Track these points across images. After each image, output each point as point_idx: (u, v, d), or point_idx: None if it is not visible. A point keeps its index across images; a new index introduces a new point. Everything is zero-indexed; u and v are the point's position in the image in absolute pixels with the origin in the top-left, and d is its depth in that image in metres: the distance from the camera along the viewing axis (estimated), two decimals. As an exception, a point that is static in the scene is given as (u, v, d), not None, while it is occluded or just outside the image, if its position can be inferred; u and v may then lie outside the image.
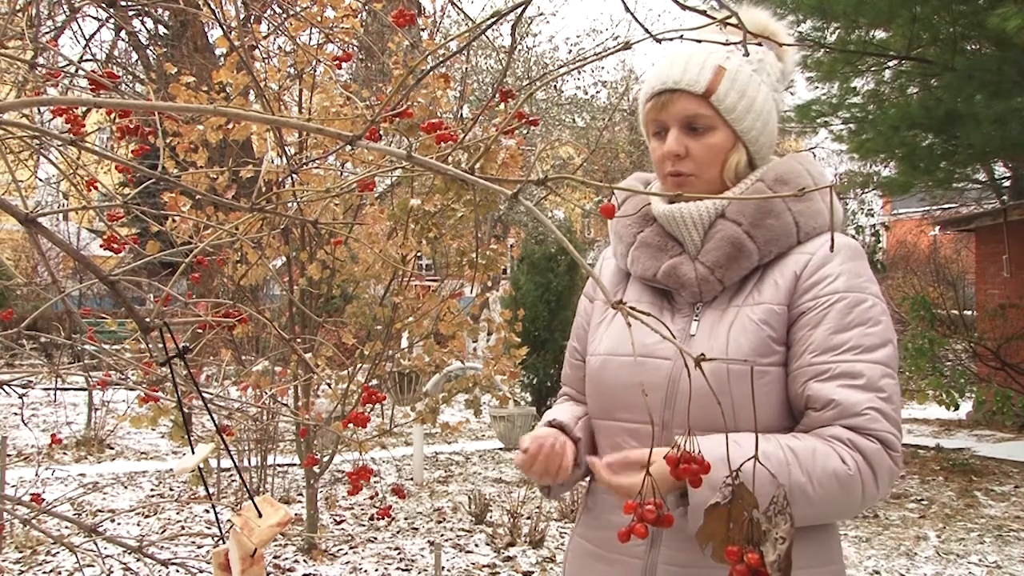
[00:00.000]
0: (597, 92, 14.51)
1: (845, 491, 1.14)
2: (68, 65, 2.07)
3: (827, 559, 1.25)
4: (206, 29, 8.41)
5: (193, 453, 1.05)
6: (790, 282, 1.24)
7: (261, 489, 5.43)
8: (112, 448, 7.65)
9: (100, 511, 5.40)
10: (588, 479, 1.41)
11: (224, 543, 1.06)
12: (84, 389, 8.82)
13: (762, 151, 1.31)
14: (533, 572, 4.40)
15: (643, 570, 1.25)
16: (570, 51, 14.03)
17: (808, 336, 1.21)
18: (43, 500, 2.20)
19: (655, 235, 1.34)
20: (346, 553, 4.67)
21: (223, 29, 2.97)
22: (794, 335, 1.23)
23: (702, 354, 0.65)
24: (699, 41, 0.93)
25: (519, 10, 0.73)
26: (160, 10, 8.34)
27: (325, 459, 4.59)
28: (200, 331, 2.13)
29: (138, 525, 5.19)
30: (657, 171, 1.34)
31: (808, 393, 1.19)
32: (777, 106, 1.33)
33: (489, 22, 0.78)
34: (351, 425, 1.50)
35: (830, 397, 1.16)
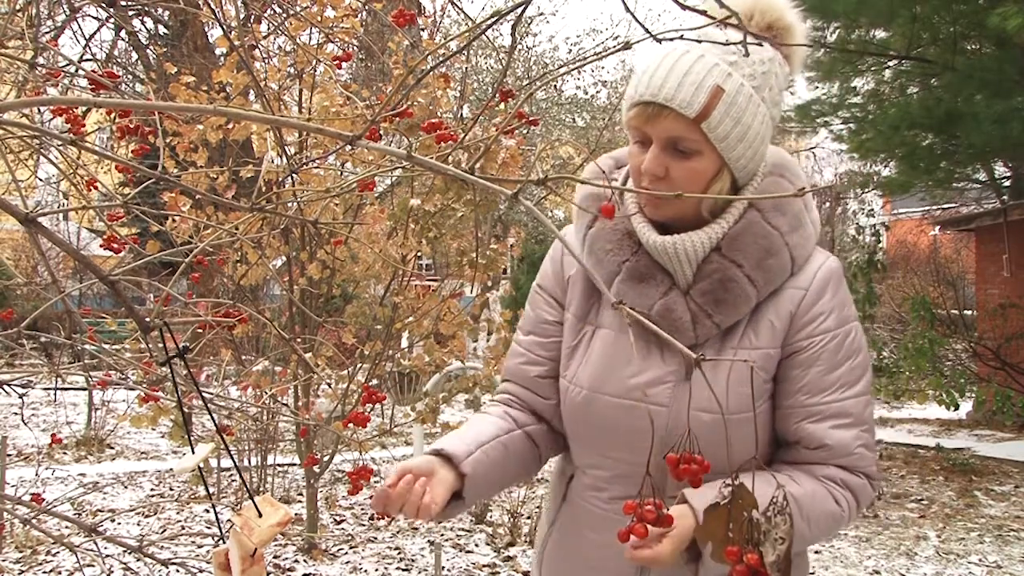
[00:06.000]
0: (597, 92, 14.47)
1: (835, 527, 1.21)
2: (68, 65, 2.07)
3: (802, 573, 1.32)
4: (206, 29, 8.41)
5: (193, 453, 1.05)
6: (785, 323, 1.21)
7: (261, 489, 5.43)
8: (112, 448, 7.65)
9: (100, 511, 5.40)
10: (567, 485, 1.34)
11: (224, 543, 1.06)
12: (84, 389, 8.80)
13: (747, 176, 1.22)
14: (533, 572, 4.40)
15: None
16: (570, 51, 14.00)
17: (802, 376, 1.20)
18: (43, 500, 2.20)
19: (643, 266, 1.22)
20: (346, 553, 4.67)
21: (223, 29, 2.98)
22: (786, 372, 1.21)
23: (702, 354, 0.65)
24: (699, 41, 0.93)
25: (519, 10, 0.73)
26: (160, 10, 8.34)
27: (325, 459, 4.59)
28: (200, 331, 2.13)
29: (138, 525, 5.19)
30: (633, 180, 1.24)
31: (801, 433, 1.21)
32: (774, 121, 1.22)
33: (489, 22, 0.78)
34: (351, 425, 1.50)
35: (823, 440, 1.19)
